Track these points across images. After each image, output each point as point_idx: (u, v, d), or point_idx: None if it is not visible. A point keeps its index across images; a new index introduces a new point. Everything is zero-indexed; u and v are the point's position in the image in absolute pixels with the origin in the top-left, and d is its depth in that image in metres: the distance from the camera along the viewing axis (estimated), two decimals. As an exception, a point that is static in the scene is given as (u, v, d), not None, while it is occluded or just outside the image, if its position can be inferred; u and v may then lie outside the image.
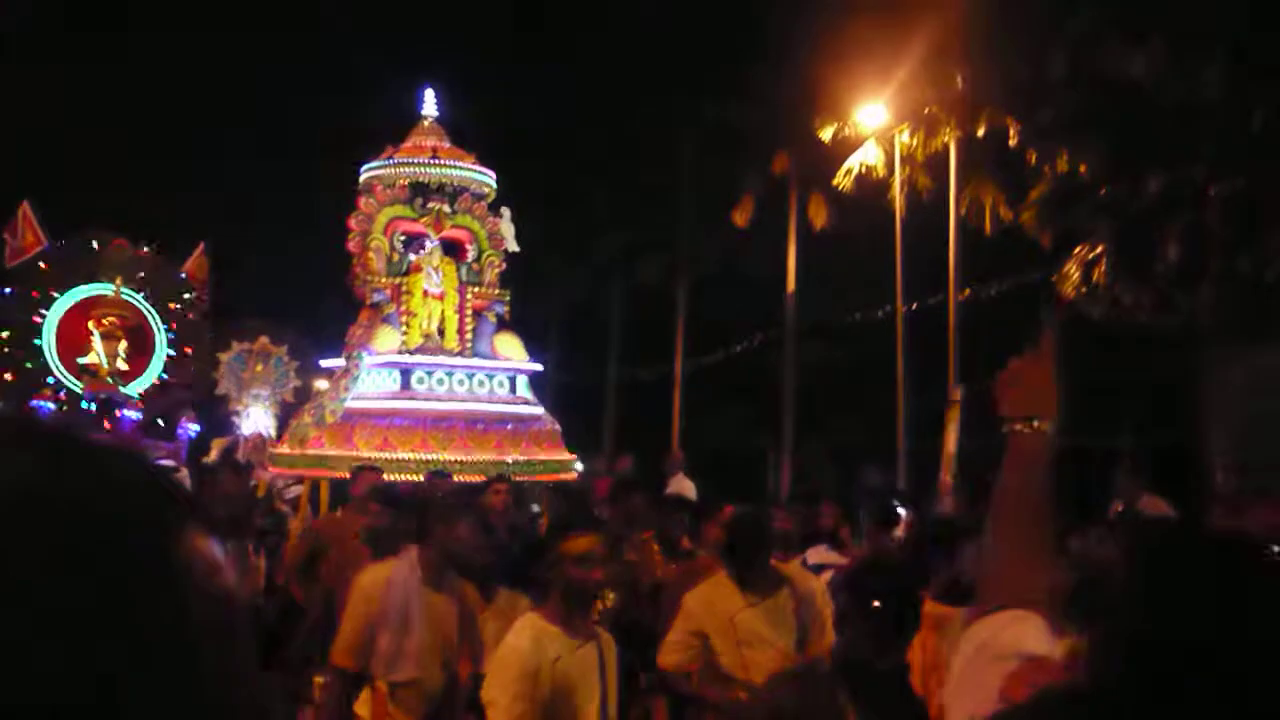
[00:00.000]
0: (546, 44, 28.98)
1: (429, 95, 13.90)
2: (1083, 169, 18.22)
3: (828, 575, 6.74)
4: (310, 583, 7.03)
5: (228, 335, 20.55)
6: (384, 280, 12.55)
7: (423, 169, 13.04)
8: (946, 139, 20.60)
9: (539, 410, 13.05)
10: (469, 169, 13.41)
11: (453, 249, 13.35)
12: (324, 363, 12.90)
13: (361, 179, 13.21)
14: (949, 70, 20.42)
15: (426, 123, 13.67)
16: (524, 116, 26.57)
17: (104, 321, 23.30)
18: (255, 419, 18.57)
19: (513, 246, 13.67)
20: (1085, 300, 17.86)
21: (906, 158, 21.27)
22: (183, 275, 24.55)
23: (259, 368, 18.94)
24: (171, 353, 23.98)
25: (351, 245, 12.73)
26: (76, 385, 22.86)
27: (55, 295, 23.20)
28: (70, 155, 29.69)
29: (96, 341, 23.29)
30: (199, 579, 0.68)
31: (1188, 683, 1.20)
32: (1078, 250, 18.42)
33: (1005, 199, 20.80)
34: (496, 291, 13.41)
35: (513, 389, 13.01)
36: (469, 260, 13.44)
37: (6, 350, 22.77)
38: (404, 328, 12.61)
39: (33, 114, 28.77)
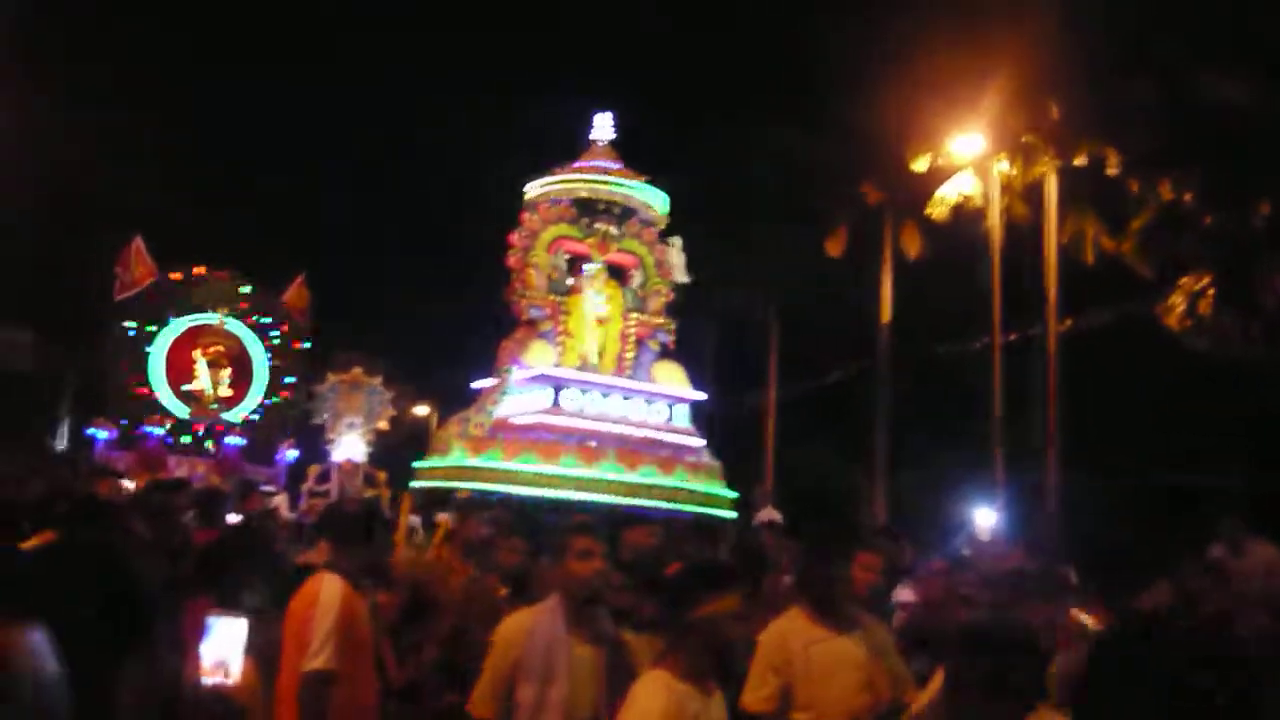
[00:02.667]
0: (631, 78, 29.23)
1: (602, 119, 13.62)
2: (1186, 197, 17.74)
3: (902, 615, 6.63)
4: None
5: (323, 366, 20.98)
6: (543, 298, 12.23)
7: (588, 184, 12.71)
8: (1044, 168, 20.22)
9: (699, 442, 12.53)
10: (640, 187, 13.04)
11: (617, 274, 13.05)
12: (476, 384, 12.70)
13: (526, 195, 12.97)
14: (1044, 99, 20.07)
15: (599, 145, 13.41)
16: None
17: (209, 350, 24.12)
18: (349, 447, 18.89)
19: (681, 277, 13.21)
20: (1191, 333, 17.34)
21: (1004, 187, 20.92)
22: (282, 305, 25.26)
23: (354, 397, 19.31)
24: (270, 387, 24.70)
25: (512, 261, 12.39)
26: (183, 411, 23.65)
27: (163, 325, 24.03)
28: (177, 190, 30.70)
29: (202, 369, 24.11)
30: None
31: None
32: (1182, 281, 17.91)
33: (1106, 229, 20.33)
34: (660, 320, 12.99)
35: (671, 417, 12.56)
36: (634, 286, 13.06)
37: (120, 379, 23.65)
38: (560, 347, 12.27)
39: (142, 151, 29.87)
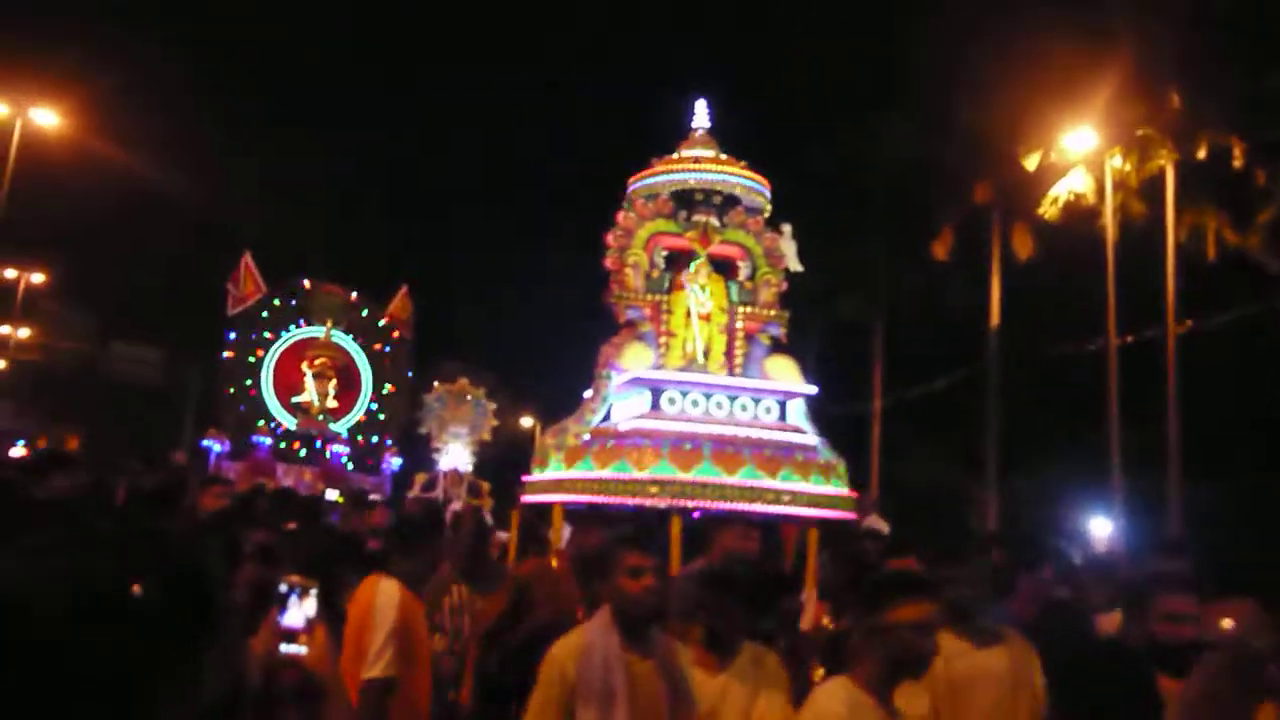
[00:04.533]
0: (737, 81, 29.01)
1: (700, 106, 13.40)
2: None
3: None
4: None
5: (429, 376, 21.26)
6: (642, 298, 11.99)
7: (686, 174, 12.42)
8: (1162, 162, 19.39)
9: (813, 440, 12.03)
10: (738, 174, 12.69)
11: (723, 268, 12.74)
12: (585, 393, 12.52)
13: (629, 193, 12.82)
14: (1163, 89, 19.26)
15: (697, 134, 13.15)
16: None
17: (315, 362, 24.66)
18: (454, 456, 19.08)
19: (794, 265, 12.75)
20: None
21: (1118, 183, 20.10)
22: (388, 316, 25.69)
23: (459, 408, 19.52)
24: (376, 397, 25.15)
25: (609, 262, 12.15)
26: (291, 422, 24.20)
27: (273, 339, 24.65)
28: (282, 205, 31.55)
29: (309, 381, 24.65)
30: None
31: None
32: (1313, 276, 16.99)
33: (1229, 223, 19.41)
34: (772, 313, 12.56)
35: (782, 414, 12.07)
36: (741, 279, 12.73)
37: (231, 391, 24.30)
38: (662, 349, 11.99)
39: (252, 171, 30.75)
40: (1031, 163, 21.73)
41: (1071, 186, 21.04)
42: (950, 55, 22.57)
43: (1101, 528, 15.94)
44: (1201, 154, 19.01)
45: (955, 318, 25.50)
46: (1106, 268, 19.45)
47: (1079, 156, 20.66)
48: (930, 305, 25.67)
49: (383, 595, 4.36)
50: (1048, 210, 21.40)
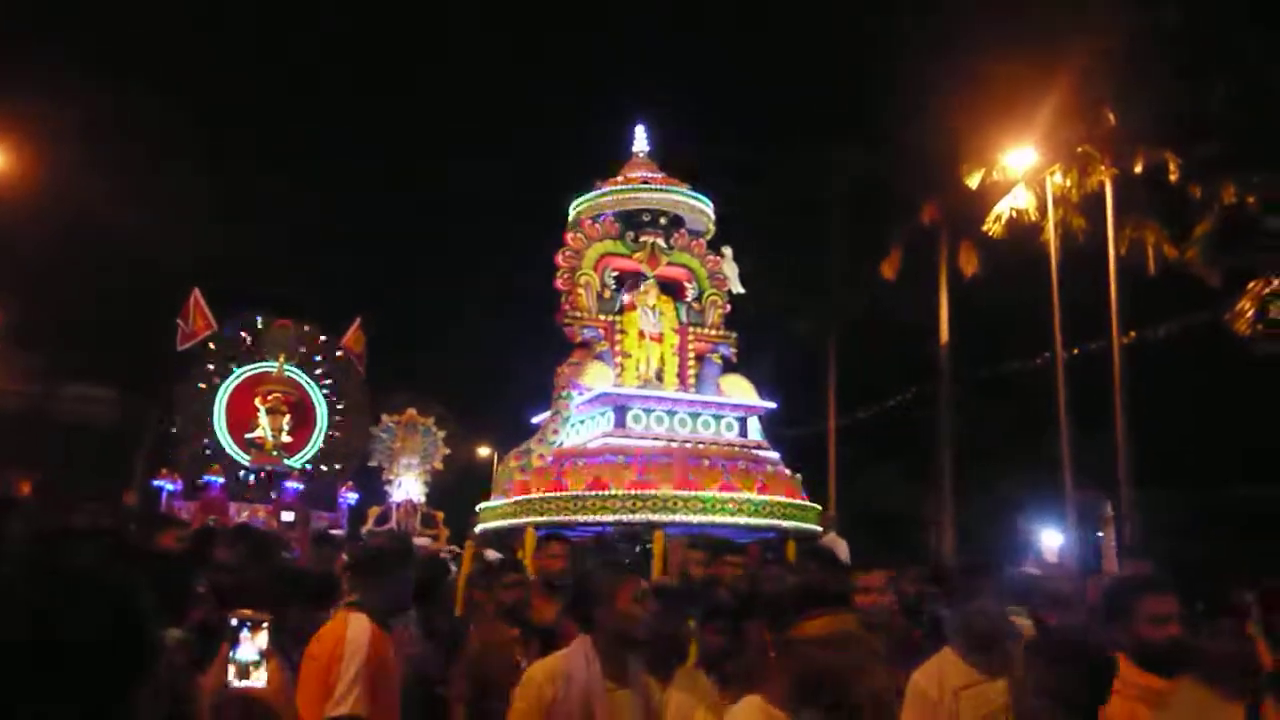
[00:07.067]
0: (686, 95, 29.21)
1: (639, 131, 13.39)
2: (1250, 200, 17.22)
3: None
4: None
5: (376, 408, 21.10)
6: (595, 318, 11.87)
7: (633, 194, 12.36)
8: (1101, 177, 19.79)
9: (774, 455, 12.04)
10: (683, 193, 12.61)
11: (670, 289, 12.70)
12: (535, 418, 12.37)
13: (571, 214, 12.72)
14: (1099, 106, 19.68)
15: (639, 157, 13.12)
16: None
17: (269, 398, 24.38)
18: (407, 487, 18.96)
19: (736, 288, 12.82)
20: (1261, 338, 16.78)
21: (1059, 199, 20.48)
22: (341, 349, 25.51)
23: (409, 439, 19.38)
24: (331, 431, 24.93)
25: (560, 283, 11.99)
26: (244, 459, 23.90)
27: (225, 374, 24.39)
28: (231, 241, 31.31)
29: (263, 417, 24.37)
30: None
31: None
32: (1251, 285, 17.34)
33: (1168, 237, 19.81)
34: (720, 333, 12.56)
35: (743, 431, 12.03)
36: (689, 299, 12.71)
37: (174, 431, 23.97)
38: (619, 369, 11.88)
39: (202, 206, 30.50)
40: (975, 181, 22.07)
41: (1014, 204, 21.39)
42: (894, 78, 22.92)
43: (1052, 539, 16.12)
44: (1138, 169, 19.41)
45: (905, 336, 25.77)
46: (1051, 282, 19.78)
47: (1021, 174, 21.04)
48: (880, 324, 25.93)
49: (353, 630, 4.26)
50: (992, 228, 21.72)
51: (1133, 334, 20.07)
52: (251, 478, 23.68)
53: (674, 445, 10.97)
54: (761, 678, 3.44)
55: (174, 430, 24.04)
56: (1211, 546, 15.66)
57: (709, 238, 12.89)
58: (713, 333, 12.35)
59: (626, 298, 12.23)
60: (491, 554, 10.94)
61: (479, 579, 6.76)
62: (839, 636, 3.27)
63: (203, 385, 24.19)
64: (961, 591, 5.15)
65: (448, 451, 20.10)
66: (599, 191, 12.59)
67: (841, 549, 11.86)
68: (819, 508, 11.97)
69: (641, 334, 12.06)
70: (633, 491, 10.30)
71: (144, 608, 1.35)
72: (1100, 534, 16.98)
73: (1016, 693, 3.42)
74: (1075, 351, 20.80)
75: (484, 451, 33.96)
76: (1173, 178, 19.07)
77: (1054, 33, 19.49)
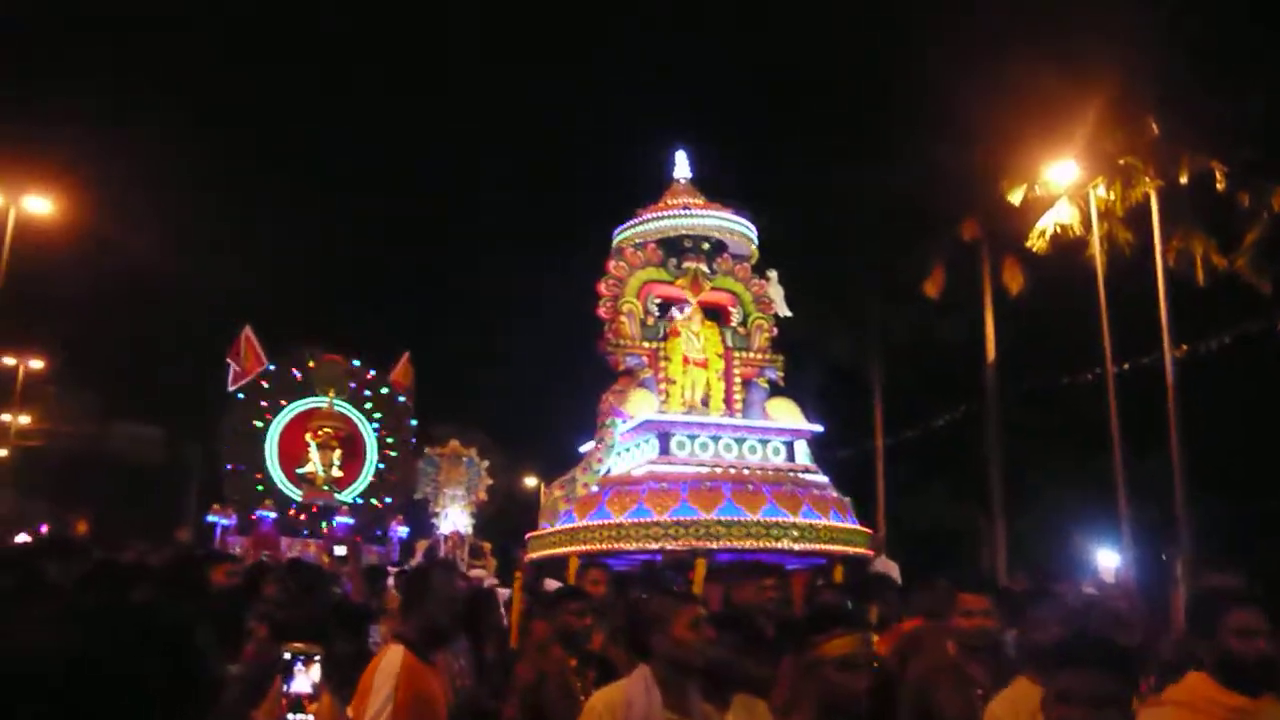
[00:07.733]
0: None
1: (680, 157, 13.33)
2: (1301, 205, 16.98)
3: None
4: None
5: (420, 441, 21.22)
6: (640, 346, 11.82)
7: (677, 219, 12.30)
8: (1146, 189, 19.52)
9: (823, 478, 11.91)
10: (724, 218, 12.57)
11: (714, 314, 12.62)
12: (581, 448, 12.33)
13: (613, 241, 12.69)
14: (1141, 117, 19.45)
15: (680, 183, 13.08)
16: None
17: (319, 432, 24.63)
18: (453, 519, 19.01)
19: (784, 310, 12.69)
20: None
21: (1104, 213, 20.21)
22: (391, 384, 25.77)
23: (453, 470, 19.47)
24: (381, 465, 25.16)
25: (602, 311, 11.97)
26: (296, 494, 24.14)
27: (276, 411, 24.67)
28: (282, 279, 31.78)
29: (313, 452, 24.61)
30: None
31: None
32: (1305, 291, 17.05)
33: (1217, 246, 19.50)
34: (767, 357, 12.45)
35: (790, 455, 11.90)
36: (734, 324, 12.62)
37: (230, 467, 24.26)
38: (663, 395, 11.83)
39: (250, 245, 31.02)
40: (1016, 197, 21.89)
41: (1058, 218, 21.16)
42: (931, 95, 22.84)
43: (1108, 558, 15.76)
44: (1184, 179, 19.14)
45: (951, 354, 25.56)
46: (1098, 297, 19.49)
47: (1063, 188, 20.81)
48: (926, 343, 25.74)
49: (385, 661, 4.28)
50: (1036, 243, 21.51)
51: (1184, 347, 19.73)
52: (303, 513, 23.90)
53: (718, 471, 10.91)
54: (795, 705, 3.43)
55: (227, 466, 24.33)
56: (1262, 560, 15.32)
57: (753, 262, 12.84)
58: (758, 356, 12.26)
59: (670, 323, 12.20)
60: (552, 583, 10.91)
61: (539, 609, 6.75)
62: (849, 660, 3.30)
63: (256, 422, 24.48)
64: (1026, 617, 5.07)
65: (491, 482, 20.15)
66: (641, 219, 12.58)
67: (892, 569, 11.73)
68: (869, 531, 11.83)
69: (686, 360, 12.02)
70: (677, 519, 10.24)
71: (201, 644, 1.37)
72: (1164, 556, 16.60)
73: None
74: (1126, 366, 20.49)
75: (530, 481, 34.06)
76: (1220, 186, 18.79)
77: (1091, 43, 19.33)
